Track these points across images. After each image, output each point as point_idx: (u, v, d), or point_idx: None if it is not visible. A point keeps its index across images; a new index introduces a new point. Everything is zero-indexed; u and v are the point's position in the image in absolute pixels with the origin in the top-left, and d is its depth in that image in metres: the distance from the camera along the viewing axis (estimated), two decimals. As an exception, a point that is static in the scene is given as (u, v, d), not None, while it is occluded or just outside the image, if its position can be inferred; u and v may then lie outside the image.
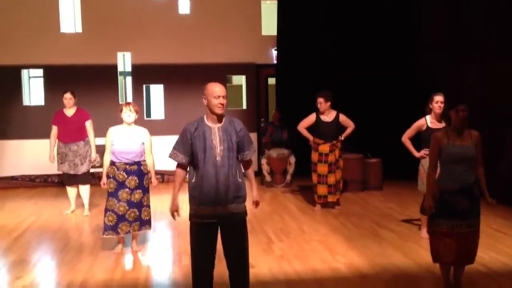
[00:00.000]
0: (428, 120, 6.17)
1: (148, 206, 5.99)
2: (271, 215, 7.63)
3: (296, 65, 10.39)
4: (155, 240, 6.52)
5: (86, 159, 7.70)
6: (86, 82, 10.13)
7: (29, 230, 7.00)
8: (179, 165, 4.11)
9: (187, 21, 10.60)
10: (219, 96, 3.96)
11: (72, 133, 7.64)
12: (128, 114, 5.81)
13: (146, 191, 5.93)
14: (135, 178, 5.82)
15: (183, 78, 10.50)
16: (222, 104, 3.97)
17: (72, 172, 7.69)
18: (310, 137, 7.78)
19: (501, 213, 7.00)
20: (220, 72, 10.51)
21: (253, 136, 10.60)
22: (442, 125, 5.69)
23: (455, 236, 4.32)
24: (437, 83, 9.34)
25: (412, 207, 7.75)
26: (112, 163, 5.82)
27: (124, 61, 11.63)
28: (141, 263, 5.69)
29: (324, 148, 7.70)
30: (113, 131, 5.86)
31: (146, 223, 5.98)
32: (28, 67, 10.52)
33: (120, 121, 5.90)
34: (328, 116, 7.71)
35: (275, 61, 10.85)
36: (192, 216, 4.07)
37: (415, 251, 5.70)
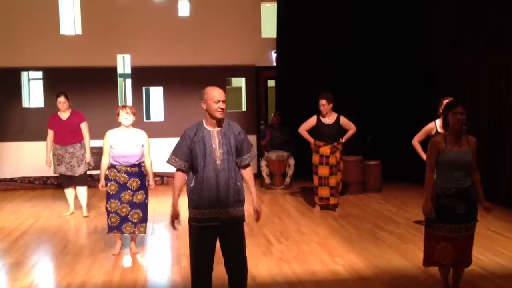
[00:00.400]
0: (438, 124, 6.16)
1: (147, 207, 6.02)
2: (270, 217, 7.62)
3: (295, 67, 10.40)
4: (154, 242, 6.52)
5: (83, 161, 7.72)
6: (85, 84, 10.14)
7: (28, 232, 6.99)
8: (179, 169, 4.09)
9: (187, 24, 10.60)
10: (218, 101, 3.95)
11: (68, 135, 7.65)
12: (126, 117, 5.80)
13: (147, 191, 5.96)
14: (137, 179, 5.83)
15: (183, 81, 10.50)
16: (222, 109, 3.97)
17: (69, 173, 7.70)
18: (311, 139, 7.78)
19: (499, 215, 7.00)
20: (220, 74, 10.52)
21: (253, 138, 10.62)
22: None
23: (452, 240, 4.32)
24: (437, 84, 9.40)
25: (411, 209, 7.75)
26: (112, 166, 5.82)
27: (124, 63, 11.64)
28: (140, 265, 5.69)
29: (325, 150, 7.70)
30: (111, 134, 5.85)
31: (146, 224, 6.00)
32: (27, 69, 10.52)
33: (118, 124, 5.90)
34: (329, 119, 7.70)
35: (274, 64, 10.85)
36: (191, 220, 4.07)
37: (415, 253, 5.70)
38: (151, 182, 5.98)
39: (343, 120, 7.74)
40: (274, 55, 10.86)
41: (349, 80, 10.12)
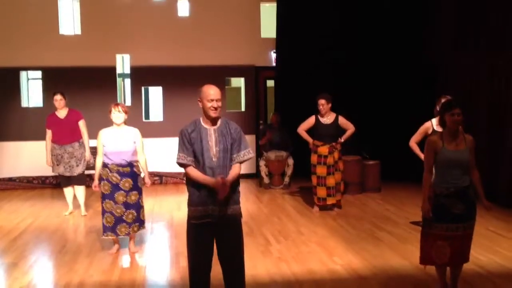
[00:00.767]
0: (434, 123, 6.15)
1: (143, 207, 6.01)
2: (269, 217, 7.63)
3: (295, 67, 10.40)
4: (153, 241, 6.52)
5: (81, 161, 7.72)
6: (85, 84, 10.14)
7: (26, 232, 6.99)
8: (190, 165, 4.00)
9: (186, 24, 10.60)
10: (212, 100, 3.97)
11: (66, 134, 7.65)
12: (117, 115, 5.78)
13: (141, 191, 5.95)
14: (129, 179, 5.81)
15: (182, 80, 10.50)
16: (215, 108, 3.98)
17: (67, 174, 7.70)
18: (309, 139, 7.78)
19: (498, 215, 7.00)
20: (219, 74, 10.52)
21: (252, 138, 10.63)
22: None
23: (449, 239, 4.32)
24: (437, 84, 9.41)
25: (410, 209, 7.76)
26: (105, 165, 5.82)
27: (123, 63, 11.65)
28: (139, 264, 5.69)
29: (323, 150, 7.70)
30: (104, 133, 5.85)
31: (143, 223, 6.02)
32: (27, 68, 10.51)
33: (111, 123, 5.90)
34: (328, 118, 7.71)
35: (274, 64, 10.85)
36: (189, 218, 4.08)
37: (413, 253, 5.69)
38: (147, 179, 5.95)
39: (342, 120, 7.74)
40: (273, 55, 10.87)
41: (348, 80, 10.13)
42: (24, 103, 10.56)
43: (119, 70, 11.02)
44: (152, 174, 10.26)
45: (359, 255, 5.72)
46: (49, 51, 10.21)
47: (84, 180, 7.91)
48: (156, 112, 11.70)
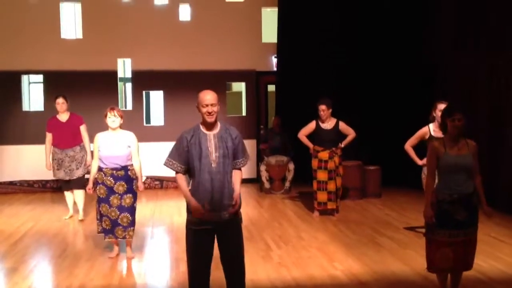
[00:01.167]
0: (431, 129, 6.15)
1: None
2: (269, 222, 7.62)
3: (296, 72, 10.40)
4: (153, 246, 6.51)
5: (81, 164, 7.70)
6: (86, 88, 10.14)
7: (27, 235, 6.98)
8: (178, 172, 4.09)
9: (188, 28, 10.62)
10: (207, 105, 3.97)
11: (67, 138, 7.63)
12: (113, 120, 5.76)
13: (136, 195, 5.91)
14: (123, 183, 5.79)
15: (183, 85, 10.50)
16: (210, 113, 3.97)
17: (67, 178, 7.69)
18: (310, 145, 7.78)
19: (499, 221, 6.98)
20: (220, 79, 10.53)
21: (253, 143, 10.62)
22: None
23: (453, 245, 4.31)
24: (437, 86, 9.41)
25: (411, 215, 7.75)
26: (100, 169, 5.81)
27: (124, 67, 11.65)
28: (139, 269, 5.68)
29: (324, 155, 7.70)
30: (99, 137, 5.83)
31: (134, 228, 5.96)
32: (28, 72, 10.52)
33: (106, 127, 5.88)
34: (328, 124, 7.72)
35: (275, 68, 10.86)
36: (188, 223, 4.08)
37: (414, 258, 5.69)
38: (140, 183, 5.92)
39: (342, 125, 7.75)
40: (274, 60, 10.87)
41: (349, 85, 10.13)
42: (25, 107, 10.56)
43: (120, 74, 11.03)
44: (152, 179, 10.30)
45: (360, 261, 5.71)
46: (50, 55, 10.22)
47: (84, 184, 7.87)
48: (157, 116, 11.70)
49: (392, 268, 5.46)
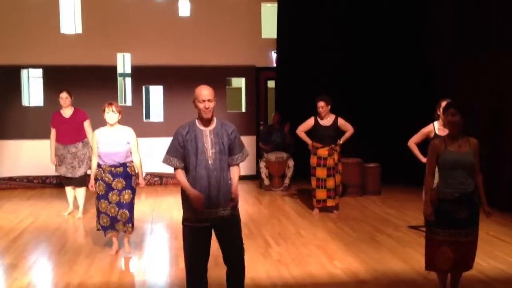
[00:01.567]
0: (436, 127, 6.13)
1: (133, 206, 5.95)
2: (269, 219, 7.62)
3: (295, 68, 10.39)
4: (152, 243, 6.51)
5: (84, 162, 7.65)
6: (85, 83, 10.11)
7: (26, 232, 6.98)
8: (176, 168, 4.07)
9: (187, 23, 10.58)
10: (204, 100, 3.95)
11: (70, 134, 7.60)
12: (111, 115, 5.70)
13: (134, 192, 5.89)
14: (121, 180, 5.76)
15: (183, 80, 10.48)
16: (207, 108, 3.95)
17: (69, 175, 7.67)
18: (309, 141, 7.77)
19: (499, 220, 6.99)
20: (220, 75, 10.51)
21: (252, 139, 10.62)
22: None
23: (453, 245, 4.31)
24: (437, 85, 9.40)
25: (410, 213, 7.75)
26: (99, 166, 5.79)
27: (124, 62, 11.63)
28: (138, 265, 5.68)
29: (323, 152, 7.69)
30: (98, 133, 5.79)
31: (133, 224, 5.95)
32: (27, 67, 10.50)
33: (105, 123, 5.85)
34: (327, 120, 7.70)
35: (275, 64, 10.84)
36: (184, 220, 4.07)
37: (413, 256, 5.70)
38: (141, 180, 5.91)
39: (341, 122, 7.73)
40: (274, 56, 10.86)
41: (349, 81, 10.12)
42: (25, 102, 10.54)
43: (120, 69, 11.01)
44: (152, 175, 10.29)
45: (359, 258, 5.71)
46: (50, 49, 10.20)
47: (86, 182, 7.85)
48: (157, 112, 11.69)
49: (392, 266, 5.46)
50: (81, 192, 7.78)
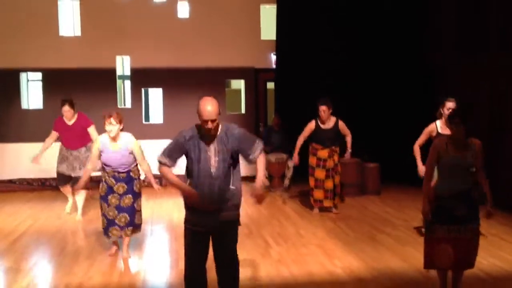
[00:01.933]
0: (439, 126, 6.12)
1: (140, 211, 5.87)
2: (269, 219, 7.62)
3: (295, 69, 10.39)
4: (152, 244, 6.51)
5: (85, 164, 7.65)
6: (84, 86, 10.13)
7: (26, 234, 6.97)
8: (163, 164, 3.98)
9: (186, 25, 10.60)
10: (206, 121, 3.79)
11: (73, 140, 7.63)
12: (110, 128, 5.52)
13: (137, 195, 5.80)
14: (123, 184, 5.71)
15: (182, 82, 10.50)
16: (210, 128, 3.82)
17: (69, 172, 7.67)
18: (296, 155, 7.74)
19: (500, 219, 6.97)
20: (219, 76, 10.52)
21: (252, 140, 10.59)
22: None
23: (452, 242, 4.30)
24: (437, 86, 9.39)
25: (410, 212, 7.75)
26: (103, 168, 5.77)
27: (123, 65, 11.64)
28: (138, 267, 5.68)
29: (323, 153, 7.70)
30: (101, 140, 5.70)
31: (137, 227, 5.88)
32: (26, 70, 10.51)
33: None
34: (328, 123, 7.71)
35: (274, 66, 10.85)
36: (186, 222, 4.08)
37: (413, 255, 5.69)
38: (154, 185, 5.86)
39: (341, 125, 7.75)
40: (273, 57, 10.86)
41: (348, 82, 10.12)
42: (24, 105, 10.56)
43: (119, 72, 11.02)
44: (154, 177, 10.26)
45: (359, 258, 5.71)
46: (49, 52, 10.21)
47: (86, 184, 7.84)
48: (156, 114, 11.69)
49: (391, 265, 5.46)
50: (81, 194, 7.77)
